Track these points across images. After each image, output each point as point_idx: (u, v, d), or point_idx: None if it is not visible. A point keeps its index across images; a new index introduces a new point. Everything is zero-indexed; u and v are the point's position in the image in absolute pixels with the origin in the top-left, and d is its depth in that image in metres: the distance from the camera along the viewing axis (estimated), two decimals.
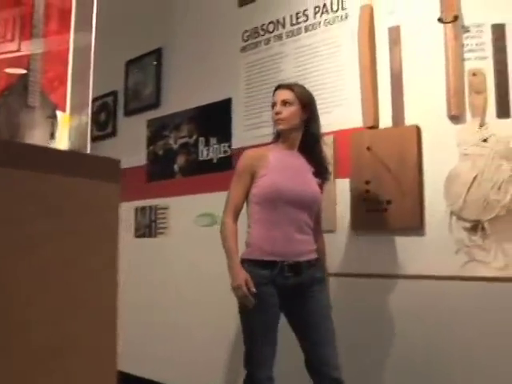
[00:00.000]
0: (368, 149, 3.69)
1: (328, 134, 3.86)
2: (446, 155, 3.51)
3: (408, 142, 3.61)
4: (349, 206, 3.81)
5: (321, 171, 3.10)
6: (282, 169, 2.92)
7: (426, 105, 3.62)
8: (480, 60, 3.61)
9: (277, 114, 3.00)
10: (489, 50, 3.61)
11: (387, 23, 3.85)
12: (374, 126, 3.72)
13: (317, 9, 4.16)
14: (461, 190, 3.43)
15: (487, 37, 3.62)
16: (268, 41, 4.40)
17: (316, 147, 3.09)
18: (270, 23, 4.43)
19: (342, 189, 3.85)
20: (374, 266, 3.69)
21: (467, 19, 3.66)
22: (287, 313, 2.94)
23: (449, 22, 3.61)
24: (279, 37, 4.33)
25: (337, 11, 4.04)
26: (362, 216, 3.75)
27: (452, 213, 3.51)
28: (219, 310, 4.51)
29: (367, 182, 3.73)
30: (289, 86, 3.07)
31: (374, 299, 3.70)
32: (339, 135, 3.88)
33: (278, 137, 3.10)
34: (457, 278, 3.41)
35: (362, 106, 3.78)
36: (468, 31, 3.65)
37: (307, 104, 3.07)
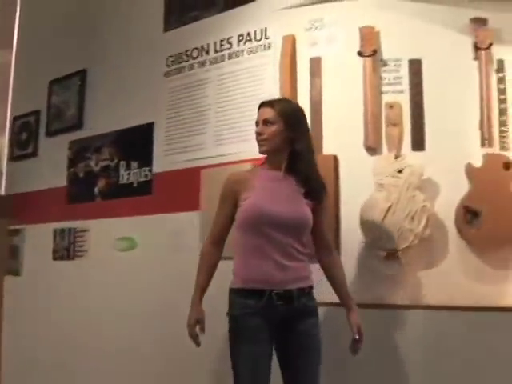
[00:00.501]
0: None
1: (245, 161, 3.89)
2: (362, 185, 3.57)
3: (326, 171, 3.65)
4: None
5: (311, 192, 2.83)
6: (266, 191, 2.73)
7: (343, 135, 3.69)
8: (397, 93, 3.71)
9: (258, 134, 2.84)
10: (406, 84, 3.73)
11: (309, 54, 3.91)
12: None
13: (241, 37, 4.20)
14: (376, 220, 3.49)
15: (404, 71, 3.74)
16: (192, 66, 4.42)
17: (303, 167, 2.80)
18: (194, 49, 4.45)
19: None
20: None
21: (386, 54, 3.76)
22: (275, 347, 2.73)
23: (368, 56, 3.70)
24: (203, 63, 4.36)
25: (260, 40, 4.09)
26: None
27: (367, 242, 3.53)
28: (136, 337, 4.44)
29: None
30: (270, 103, 2.86)
31: None
32: (257, 163, 3.88)
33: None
34: (371, 306, 3.44)
35: None
36: (386, 65, 3.75)
37: (291, 121, 2.81)
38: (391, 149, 3.60)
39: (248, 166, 3.49)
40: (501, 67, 3.67)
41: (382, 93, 3.73)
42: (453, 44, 3.74)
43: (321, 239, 2.94)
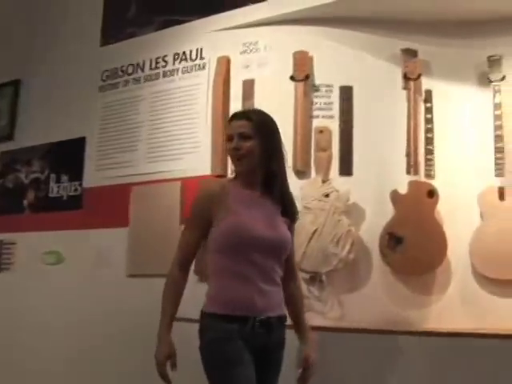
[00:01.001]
0: None
1: (176, 180, 3.90)
2: None
3: None
4: None
5: (287, 210, 2.53)
6: (245, 210, 2.38)
7: None
8: (327, 119, 3.79)
9: (235, 149, 2.39)
10: (336, 110, 3.80)
11: (242, 76, 3.95)
12: (222, 175, 3.76)
13: (176, 56, 4.23)
14: (302, 242, 3.52)
15: (335, 97, 3.81)
16: (126, 82, 4.42)
17: (279, 186, 2.47)
18: (129, 65, 4.46)
19: None
20: None
21: (318, 79, 3.84)
22: None
23: (300, 81, 3.76)
24: (137, 80, 4.37)
25: (195, 60, 4.12)
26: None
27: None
28: (59, 350, 4.38)
29: None
30: (245, 115, 2.47)
31: None
32: (187, 182, 3.95)
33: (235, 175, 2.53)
34: (290, 327, 3.45)
35: (212, 155, 3.82)
36: (318, 90, 3.82)
37: (268, 136, 2.46)
38: (319, 173, 3.64)
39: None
40: (428, 97, 3.78)
41: (312, 117, 3.79)
42: (383, 73, 3.83)
43: (288, 261, 2.57)
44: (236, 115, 2.50)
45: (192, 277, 3.57)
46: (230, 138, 2.44)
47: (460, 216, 3.65)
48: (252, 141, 2.40)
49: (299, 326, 2.63)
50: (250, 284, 2.34)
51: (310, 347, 2.57)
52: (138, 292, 4.03)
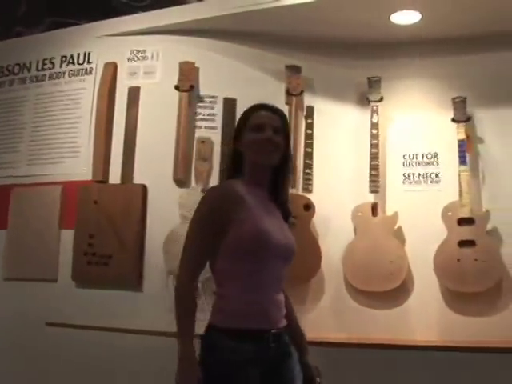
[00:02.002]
0: (95, 202, 3.71)
1: (57, 183, 3.85)
2: (168, 216, 3.64)
3: (134, 199, 3.70)
4: (71, 258, 3.76)
5: (286, 215, 2.33)
6: (263, 212, 2.14)
7: (155, 165, 3.75)
8: (210, 129, 3.84)
9: (271, 140, 2.15)
10: (219, 121, 3.83)
11: (128, 83, 3.95)
12: (103, 181, 3.75)
13: (64, 58, 4.20)
14: (179, 251, 3.51)
15: (219, 108, 3.83)
16: (12, 82, 4.35)
17: (286, 189, 2.33)
18: (16, 65, 4.40)
19: (66, 240, 3.85)
20: (93, 319, 3.66)
21: (203, 90, 3.87)
22: None
23: (185, 91, 3.79)
24: (23, 80, 4.32)
25: (82, 64, 4.11)
26: (83, 268, 3.75)
27: (169, 272, 3.58)
28: None
29: (91, 236, 3.74)
30: (277, 110, 2.27)
31: (90, 352, 3.66)
32: (68, 186, 3.92)
33: (234, 171, 2.24)
34: (170, 335, 3.45)
35: (93, 160, 3.81)
36: (202, 101, 3.85)
37: (289, 138, 2.31)
38: (199, 182, 3.67)
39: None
40: (310, 113, 3.89)
41: (195, 127, 3.81)
42: (267, 87, 3.92)
43: None
44: (267, 107, 2.27)
45: (69, 281, 3.56)
46: (260, 128, 2.18)
47: (335, 230, 3.75)
48: (281, 137, 2.21)
49: (297, 334, 2.34)
50: (266, 294, 2.14)
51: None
52: (14, 296, 3.94)
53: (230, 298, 2.11)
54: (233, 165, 2.23)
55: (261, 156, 2.17)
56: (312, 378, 2.27)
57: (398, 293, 3.69)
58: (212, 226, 2.09)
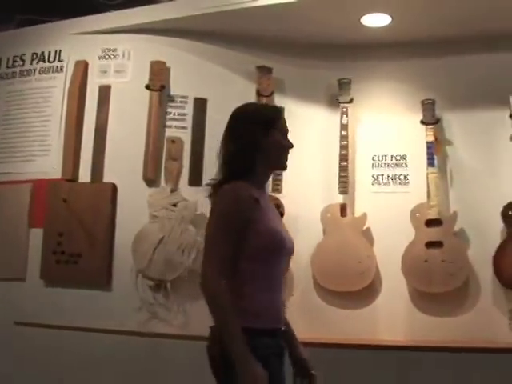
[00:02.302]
0: (64, 201, 3.70)
1: (27, 182, 3.85)
2: (137, 215, 3.64)
3: (103, 198, 3.70)
4: (40, 256, 3.75)
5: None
6: (273, 214, 2.21)
7: (125, 164, 3.75)
8: (180, 129, 3.85)
9: (290, 148, 2.28)
10: (189, 121, 3.84)
11: (99, 81, 3.95)
12: (73, 179, 3.74)
13: (34, 56, 4.18)
14: (147, 250, 3.55)
15: (189, 108, 3.84)
16: None
17: None
18: None
19: (35, 238, 3.83)
20: (62, 318, 3.65)
21: (174, 90, 3.87)
22: None
23: (156, 90, 3.78)
24: None
25: (53, 62, 4.09)
26: (52, 267, 3.74)
27: (138, 271, 3.58)
28: None
29: (60, 234, 3.74)
30: None
31: (59, 351, 3.64)
32: (38, 184, 3.89)
33: (241, 173, 2.15)
34: (139, 334, 3.48)
35: (63, 158, 3.80)
36: (173, 101, 3.85)
37: None
38: (169, 182, 3.67)
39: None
40: None
41: (165, 127, 3.81)
42: (238, 88, 3.93)
43: None
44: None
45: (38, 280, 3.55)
46: (286, 134, 2.28)
47: (304, 230, 3.77)
48: None
49: (290, 331, 2.35)
50: (278, 293, 2.17)
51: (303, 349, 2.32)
52: None
53: (254, 299, 2.10)
54: (245, 164, 2.16)
55: (284, 161, 2.25)
56: (309, 371, 2.28)
57: (366, 293, 3.72)
58: (237, 227, 2.05)
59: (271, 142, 2.16)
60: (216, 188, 2.14)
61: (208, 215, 2.29)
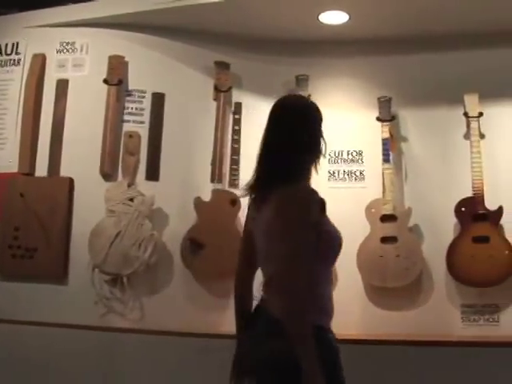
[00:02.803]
0: (21, 195, 3.68)
1: None
2: (94, 210, 3.64)
3: (60, 192, 3.69)
4: None
5: None
6: None
7: (82, 159, 3.75)
8: (138, 124, 3.85)
9: None
10: (147, 116, 3.84)
11: (57, 75, 3.93)
12: (30, 173, 3.73)
13: None
14: (104, 245, 3.56)
15: (147, 103, 3.84)
16: None
17: None
18: None
19: None
20: (18, 312, 3.64)
21: (132, 84, 3.87)
22: None
23: (114, 85, 3.78)
24: None
25: (10, 54, 4.06)
26: (8, 261, 3.73)
27: (95, 265, 3.59)
28: None
29: (16, 229, 3.73)
30: None
31: (14, 345, 3.63)
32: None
33: (292, 174, 2.11)
34: (95, 328, 3.48)
35: (20, 152, 3.78)
36: (131, 95, 3.85)
37: None
38: (126, 177, 3.68)
39: None
40: (238, 109, 3.93)
41: (123, 121, 3.81)
42: (196, 83, 3.96)
43: None
44: None
45: None
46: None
47: None
48: None
49: None
50: (331, 293, 2.19)
51: None
52: None
53: (322, 297, 2.14)
54: (309, 164, 2.18)
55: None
56: None
57: None
58: (312, 226, 2.02)
59: (320, 148, 2.20)
60: (268, 188, 2.08)
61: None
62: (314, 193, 2.06)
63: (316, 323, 1.98)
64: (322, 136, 2.18)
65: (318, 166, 2.16)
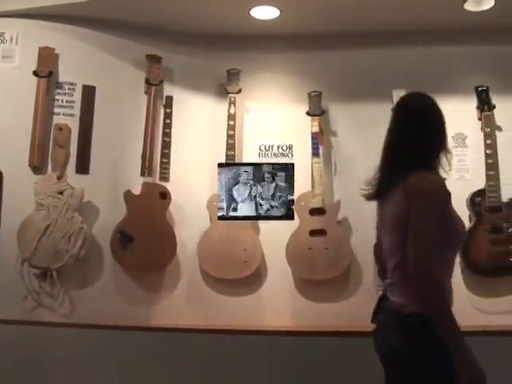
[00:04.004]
0: None
1: None
2: (23, 203, 3.61)
3: None
4: None
5: None
6: None
7: (10, 151, 3.71)
8: (68, 116, 3.83)
9: None
10: (77, 108, 3.82)
11: None
12: None
13: None
14: (33, 238, 3.53)
15: (78, 96, 3.82)
16: None
17: None
18: None
19: None
20: None
21: (62, 76, 3.85)
22: None
23: (43, 77, 3.75)
24: None
25: None
26: None
27: (24, 259, 3.56)
28: None
29: None
30: None
31: None
32: None
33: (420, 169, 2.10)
34: (25, 323, 3.46)
35: None
36: (61, 88, 3.82)
37: None
38: (55, 170, 3.66)
39: None
40: (169, 103, 3.94)
41: (53, 114, 3.78)
42: (127, 76, 3.96)
43: None
44: None
45: None
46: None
47: (191, 218, 3.83)
48: None
49: None
50: (451, 284, 2.12)
51: None
52: None
53: (448, 287, 2.08)
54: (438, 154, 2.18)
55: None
56: None
57: (251, 280, 3.82)
58: (441, 217, 2.02)
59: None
60: (394, 185, 2.10)
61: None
62: (443, 184, 2.07)
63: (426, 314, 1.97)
64: (445, 132, 2.18)
65: (448, 162, 2.18)
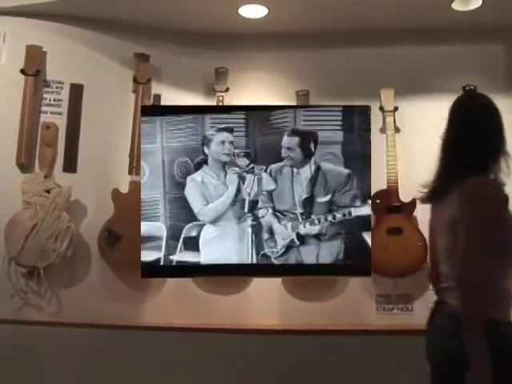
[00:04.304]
0: None
1: None
2: (10, 201, 3.60)
3: None
4: None
5: None
6: None
7: None
8: (55, 115, 3.82)
9: None
10: (65, 107, 3.81)
11: None
12: None
13: None
14: (20, 237, 3.52)
15: (65, 94, 3.81)
16: None
17: None
18: None
19: None
20: None
21: (50, 75, 3.83)
22: None
23: (31, 75, 3.73)
24: None
25: None
26: None
27: (11, 258, 3.55)
28: None
29: None
30: None
31: None
32: None
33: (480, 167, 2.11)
34: (12, 322, 3.45)
35: None
36: (48, 86, 3.81)
37: None
38: (43, 168, 3.65)
39: None
40: (157, 101, 3.93)
41: (40, 112, 3.77)
42: (115, 74, 3.96)
43: None
44: None
45: None
46: None
47: None
48: None
49: None
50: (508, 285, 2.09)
51: None
52: None
53: (503, 290, 2.07)
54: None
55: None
56: None
57: (239, 279, 3.80)
58: (496, 222, 1.99)
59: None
60: (451, 186, 2.08)
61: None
62: (500, 188, 2.06)
63: (493, 317, 1.93)
64: (504, 135, 2.13)
65: (507, 166, 2.11)
